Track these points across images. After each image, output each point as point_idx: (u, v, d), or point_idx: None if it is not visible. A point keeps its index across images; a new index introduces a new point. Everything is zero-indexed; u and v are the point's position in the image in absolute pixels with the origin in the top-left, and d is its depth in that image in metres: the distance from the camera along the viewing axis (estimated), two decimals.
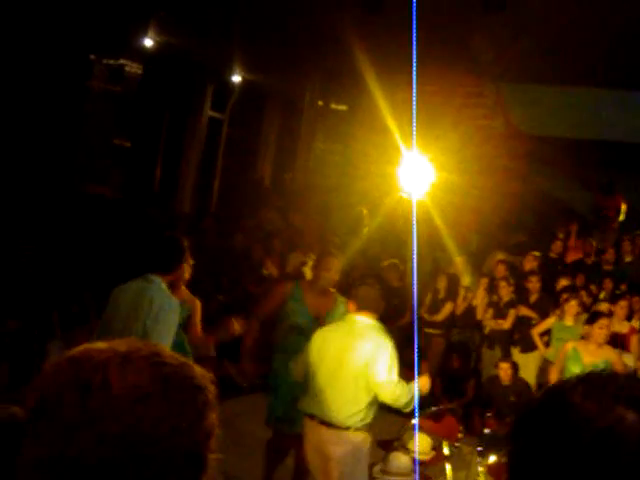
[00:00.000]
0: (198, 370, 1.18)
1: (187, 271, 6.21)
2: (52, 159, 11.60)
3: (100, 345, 1.14)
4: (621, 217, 14.16)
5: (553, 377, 7.78)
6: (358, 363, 5.34)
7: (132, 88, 12.96)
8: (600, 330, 7.49)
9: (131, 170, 13.43)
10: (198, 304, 6.44)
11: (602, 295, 10.80)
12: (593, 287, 10.90)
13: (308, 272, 7.00)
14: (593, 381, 1.06)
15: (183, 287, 6.39)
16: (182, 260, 5.59)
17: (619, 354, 7.96)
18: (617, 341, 9.28)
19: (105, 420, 1.05)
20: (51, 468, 1.05)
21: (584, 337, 7.79)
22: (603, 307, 9.35)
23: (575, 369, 7.40)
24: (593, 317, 7.84)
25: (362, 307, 5.49)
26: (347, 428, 5.39)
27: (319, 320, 6.12)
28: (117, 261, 9.11)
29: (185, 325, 6.16)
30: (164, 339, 5.15)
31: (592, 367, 7.39)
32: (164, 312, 5.24)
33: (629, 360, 9.43)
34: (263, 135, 16.30)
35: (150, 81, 13.09)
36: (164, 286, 5.43)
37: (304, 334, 5.96)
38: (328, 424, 5.41)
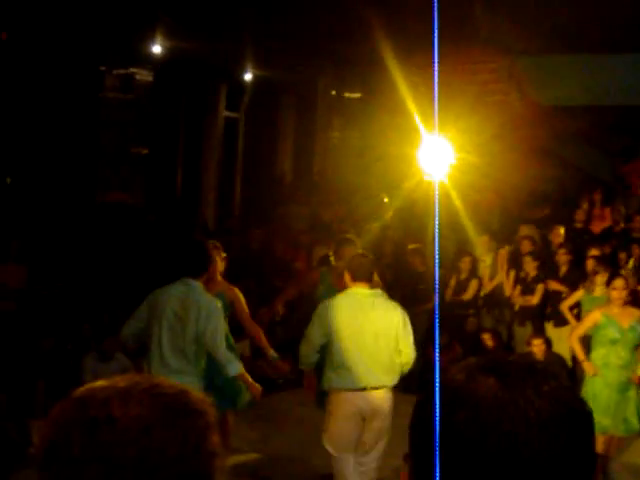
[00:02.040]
0: (196, 395, 1.24)
1: (220, 264, 6.54)
2: (72, 172, 11.70)
3: (101, 383, 1.21)
4: None
5: (575, 343, 7.69)
6: (391, 331, 5.89)
7: (145, 95, 13.01)
8: (614, 291, 7.41)
9: (151, 177, 13.50)
10: (237, 292, 6.82)
11: (631, 263, 10.67)
12: (622, 255, 10.77)
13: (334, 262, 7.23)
14: (472, 361, 1.13)
15: (220, 278, 6.62)
16: (209, 262, 6.02)
17: None
18: None
19: (113, 453, 1.12)
20: None
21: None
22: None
23: (613, 334, 7.31)
24: (608, 281, 7.76)
25: (358, 278, 5.88)
26: (390, 387, 5.99)
27: None
28: (144, 269, 9.18)
29: (228, 316, 6.54)
30: (217, 337, 5.77)
31: (629, 329, 7.32)
32: (213, 314, 5.76)
33: None
34: (280, 130, 16.30)
35: (162, 87, 13.15)
36: (202, 288, 5.90)
37: None
38: (381, 387, 5.92)
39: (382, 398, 5.96)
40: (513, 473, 1.01)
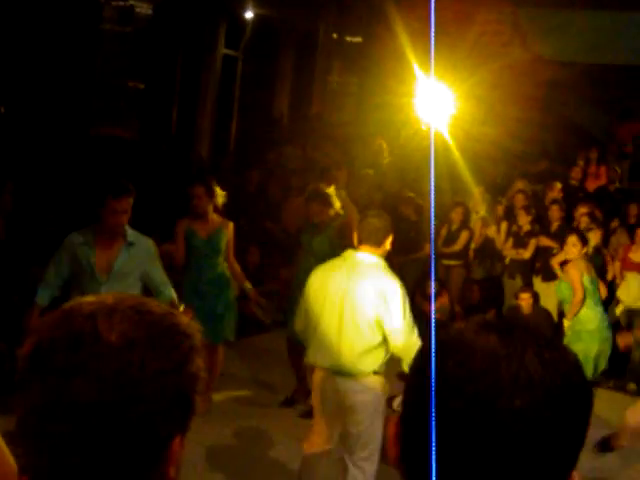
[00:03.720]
0: (184, 318, 1.26)
1: (220, 195, 6.58)
2: (67, 104, 11.59)
3: (90, 298, 1.23)
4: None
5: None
6: (369, 308, 4.97)
7: (143, 29, 12.83)
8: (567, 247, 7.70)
9: (147, 112, 13.38)
10: (231, 228, 6.96)
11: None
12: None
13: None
14: (478, 319, 1.13)
15: (216, 215, 6.69)
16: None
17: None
18: None
19: (96, 365, 1.15)
20: (49, 412, 1.15)
21: None
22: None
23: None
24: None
25: (363, 239, 5.10)
26: (367, 374, 5.09)
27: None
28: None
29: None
30: (158, 270, 5.88)
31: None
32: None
33: None
34: (279, 71, 16.14)
35: (161, 21, 12.96)
36: None
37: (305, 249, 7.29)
38: (347, 374, 5.08)
39: (353, 386, 5.12)
40: (488, 426, 1.00)
